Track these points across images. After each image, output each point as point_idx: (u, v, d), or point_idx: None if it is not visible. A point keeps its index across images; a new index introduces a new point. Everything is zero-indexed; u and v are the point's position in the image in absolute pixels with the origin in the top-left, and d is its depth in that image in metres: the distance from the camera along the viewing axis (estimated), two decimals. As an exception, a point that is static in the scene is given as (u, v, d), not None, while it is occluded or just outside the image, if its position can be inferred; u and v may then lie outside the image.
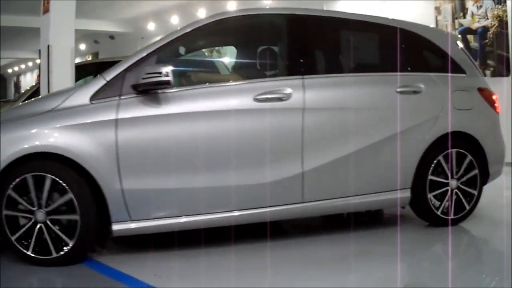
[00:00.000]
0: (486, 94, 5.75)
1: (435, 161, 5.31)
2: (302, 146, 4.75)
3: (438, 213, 5.34)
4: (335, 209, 5.09)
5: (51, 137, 4.28)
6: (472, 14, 10.35)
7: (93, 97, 4.45)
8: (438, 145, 5.33)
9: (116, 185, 4.32)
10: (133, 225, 4.41)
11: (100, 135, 4.31)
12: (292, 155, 4.75)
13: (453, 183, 5.39)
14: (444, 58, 5.66)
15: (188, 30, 4.85)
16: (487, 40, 10.09)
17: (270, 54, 5.41)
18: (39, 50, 8.31)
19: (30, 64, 31.67)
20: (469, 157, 5.44)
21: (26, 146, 4.25)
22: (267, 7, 13.51)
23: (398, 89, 5.22)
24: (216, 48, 5.64)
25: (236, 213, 4.63)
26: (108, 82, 4.49)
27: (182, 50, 5.21)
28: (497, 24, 9.92)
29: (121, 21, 19.43)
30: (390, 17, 5.87)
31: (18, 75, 35.54)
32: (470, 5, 10.36)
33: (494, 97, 5.81)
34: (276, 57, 5.38)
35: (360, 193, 5.07)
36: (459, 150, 5.41)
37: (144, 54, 4.62)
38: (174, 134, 4.48)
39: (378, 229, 5.65)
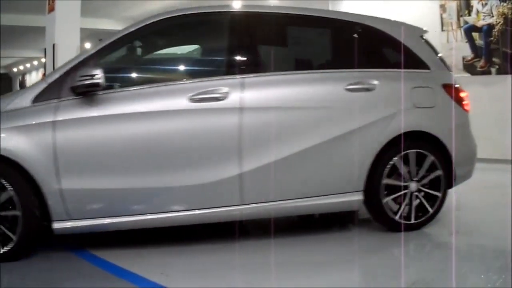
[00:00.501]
0: (452, 91, 5.45)
1: (391, 163, 5.04)
2: (240, 147, 4.61)
3: (396, 217, 5.06)
4: (279, 212, 4.88)
5: None
6: (477, 12, 10.31)
7: (35, 100, 4.48)
8: (395, 145, 5.05)
9: (54, 185, 4.35)
10: (69, 223, 4.43)
11: (39, 137, 4.36)
12: (229, 156, 4.61)
13: (412, 185, 5.11)
14: (405, 53, 5.38)
15: (128, 31, 4.83)
16: (492, 38, 10.06)
17: (212, 53, 5.40)
18: (45, 49, 8.33)
19: (35, 63, 31.76)
20: (431, 157, 5.17)
21: None
22: (271, 5, 13.47)
23: (347, 87, 4.98)
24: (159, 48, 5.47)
25: (173, 214, 4.59)
26: (49, 84, 4.53)
27: (123, 51, 5.13)
28: (502, 22, 9.89)
29: (126, 19, 19.43)
30: (344, 11, 5.73)
31: (23, 74, 35.64)
32: (475, 3, 10.32)
33: (462, 94, 5.52)
34: (217, 56, 5.27)
35: (308, 196, 4.86)
36: (419, 150, 5.14)
37: (84, 57, 4.64)
38: (110, 136, 4.48)
39: (330, 233, 5.39)
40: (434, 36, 11.39)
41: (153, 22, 4.89)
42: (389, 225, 5.14)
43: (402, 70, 5.25)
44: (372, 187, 5.01)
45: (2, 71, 37.03)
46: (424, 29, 5.77)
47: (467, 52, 10.53)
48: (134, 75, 5.20)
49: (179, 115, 4.56)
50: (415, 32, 5.66)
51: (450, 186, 5.36)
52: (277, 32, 5.39)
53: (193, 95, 4.56)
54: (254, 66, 4.96)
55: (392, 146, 5.04)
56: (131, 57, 5.32)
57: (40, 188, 4.34)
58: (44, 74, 30.03)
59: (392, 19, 5.84)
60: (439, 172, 5.19)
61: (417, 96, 5.22)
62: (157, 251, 4.75)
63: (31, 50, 28.01)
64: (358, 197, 5.00)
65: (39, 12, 12.11)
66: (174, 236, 5.02)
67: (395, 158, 5.04)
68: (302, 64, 5.40)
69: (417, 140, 5.16)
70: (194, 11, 5.10)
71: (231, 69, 4.86)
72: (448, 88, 5.42)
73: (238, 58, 4.95)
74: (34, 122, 4.39)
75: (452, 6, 10.77)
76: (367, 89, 5.05)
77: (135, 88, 4.69)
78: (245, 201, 4.66)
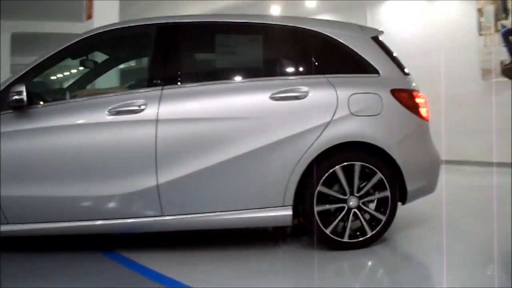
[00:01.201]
0: (403, 97, 4.96)
1: (324, 176, 4.67)
2: (156, 159, 4.56)
3: (327, 231, 4.68)
4: (201, 225, 4.73)
5: None
6: (515, 15, 10.24)
7: None
8: (330, 157, 4.71)
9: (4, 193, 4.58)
10: (8, 227, 4.61)
11: None
12: (146, 167, 4.58)
13: (352, 202, 4.72)
14: (350, 57, 5.05)
15: (60, 49, 4.96)
16: (530, 41, 9.97)
17: (135, 66, 5.58)
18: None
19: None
20: (377, 172, 4.76)
21: None
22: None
23: (273, 95, 4.70)
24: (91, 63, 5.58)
25: (98, 222, 4.62)
26: None
27: (56, 67, 5.24)
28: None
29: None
30: (281, 15, 5.24)
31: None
32: (513, 6, 10.25)
33: (419, 100, 5.04)
34: (138, 69, 5.41)
35: (231, 209, 4.67)
36: (361, 163, 4.73)
37: (21, 73, 4.78)
38: (39, 147, 4.62)
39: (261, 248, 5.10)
40: (471, 40, 11.38)
41: (81, 40, 5.03)
42: (325, 244, 4.75)
43: (330, 75, 4.92)
44: (304, 202, 4.70)
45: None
46: (380, 30, 5.43)
47: (505, 57, 10.43)
48: (61, 89, 5.55)
49: (99, 128, 4.64)
50: (365, 33, 5.26)
51: (403, 202, 4.99)
52: (201, 42, 5.31)
53: (111, 108, 4.61)
54: (174, 78, 4.88)
55: (326, 158, 4.70)
56: (59, 73, 5.54)
57: None
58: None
59: (342, 21, 5.64)
60: (386, 193, 4.77)
61: (356, 103, 4.79)
62: (188, 255, 4.80)
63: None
64: (287, 212, 4.65)
65: (77, 20, 12.31)
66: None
67: (330, 171, 4.68)
68: (226, 73, 5.14)
69: (357, 152, 4.80)
70: (116, 26, 5.21)
71: (151, 81, 4.82)
72: (399, 93, 4.95)
73: (158, 70, 4.90)
74: None
75: (489, 10, 10.68)
76: (296, 97, 4.74)
77: (60, 102, 4.89)
78: (164, 212, 4.61)
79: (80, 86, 5.73)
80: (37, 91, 4.93)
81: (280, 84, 4.80)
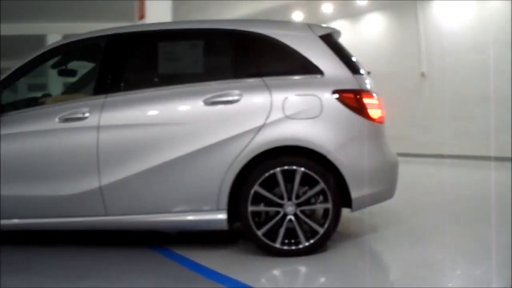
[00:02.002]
0: (347, 98, 4.75)
1: (261, 178, 4.63)
2: (98, 162, 4.79)
3: (259, 233, 4.62)
4: (142, 226, 4.89)
5: None
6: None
7: None
8: (270, 160, 4.66)
9: None
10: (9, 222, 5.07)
11: None
12: (90, 170, 4.81)
13: (289, 208, 4.61)
14: (292, 58, 4.94)
15: (27, 60, 5.28)
16: None
17: (84, 76, 5.85)
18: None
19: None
20: (318, 179, 4.61)
21: None
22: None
23: (206, 100, 4.74)
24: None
25: (48, 220, 4.97)
26: None
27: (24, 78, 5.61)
28: None
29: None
30: (223, 19, 5.53)
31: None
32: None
33: (368, 100, 4.80)
34: (87, 79, 5.72)
35: (168, 211, 4.79)
36: (302, 169, 4.61)
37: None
38: (6, 151, 5.01)
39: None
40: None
41: (44, 52, 5.39)
42: (260, 246, 4.68)
43: (261, 76, 4.88)
44: (239, 206, 4.68)
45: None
46: (333, 28, 5.26)
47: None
48: (23, 98, 6.04)
49: (50, 134, 4.98)
50: (313, 33, 5.06)
51: (350, 208, 4.77)
52: (143, 50, 5.44)
53: (61, 116, 4.94)
54: (118, 86, 5.03)
55: (269, 161, 4.65)
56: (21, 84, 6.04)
57: None
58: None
59: (288, 20, 5.53)
60: (328, 204, 4.61)
61: (292, 106, 4.69)
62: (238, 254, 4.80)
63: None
64: (222, 215, 4.68)
65: (129, 20, 12.47)
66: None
67: (266, 175, 4.62)
68: (166, 80, 5.26)
69: (301, 157, 4.67)
70: (71, 39, 5.47)
71: (97, 90, 5.05)
72: (342, 94, 4.74)
73: (103, 79, 5.09)
74: None
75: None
76: (229, 102, 4.73)
77: (22, 111, 5.25)
78: (108, 213, 4.81)
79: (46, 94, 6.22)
80: (7, 100, 5.35)
81: (216, 88, 4.81)
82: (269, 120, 4.63)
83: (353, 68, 4.91)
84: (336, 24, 14.81)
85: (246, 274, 4.22)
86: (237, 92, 4.73)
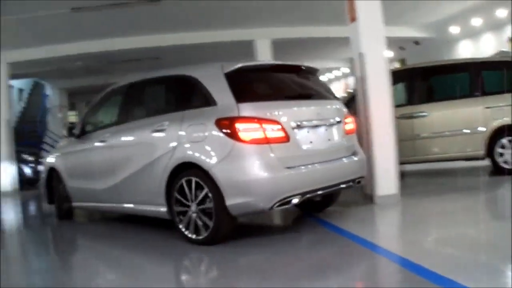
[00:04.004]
0: (223, 125, 5.97)
1: (176, 186, 6.40)
2: (111, 170, 7.64)
3: (180, 226, 6.47)
4: (127, 211, 7.73)
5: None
6: None
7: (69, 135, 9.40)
8: (181, 173, 6.35)
9: (68, 183, 8.86)
10: (74, 204, 8.86)
11: (65, 159, 9.11)
12: (109, 174, 7.67)
13: (193, 207, 6.27)
14: (202, 93, 6.39)
15: (98, 99, 8.75)
16: None
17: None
18: (351, 59, 8.33)
19: (336, 73, 32.63)
20: (204, 186, 6.12)
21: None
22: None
23: (151, 130, 6.90)
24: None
25: (96, 204, 8.29)
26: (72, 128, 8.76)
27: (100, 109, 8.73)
28: None
29: (425, 25, 19.08)
30: (169, 68, 7.42)
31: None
32: None
33: (239, 125, 5.88)
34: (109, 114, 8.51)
35: (136, 203, 7.27)
36: (196, 179, 6.18)
37: (82, 116, 8.83)
38: (80, 160, 8.60)
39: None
40: None
41: (105, 94, 8.68)
42: (181, 236, 6.46)
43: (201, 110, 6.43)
44: (170, 203, 6.54)
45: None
46: (238, 65, 6.31)
47: None
48: (94, 124, 8.71)
49: (95, 150, 8.10)
50: (222, 71, 6.31)
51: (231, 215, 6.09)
52: (128, 96, 7.87)
53: (98, 139, 8.08)
54: (117, 120, 7.89)
55: (180, 173, 6.37)
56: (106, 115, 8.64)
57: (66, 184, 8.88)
58: (346, 84, 30.68)
59: (208, 64, 6.90)
60: (211, 205, 6.08)
61: (191, 132, 6.30)
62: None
63: (331, 61, 28.78)
64: (164, 209, 6.68)
65: (339, 23, 12.31)
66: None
67: (179, 182, 6.36)
68: (135, 116, 7.57)
69: (197, 171, 6.18)
70: (115, 86, 8.51)
71: (113, 122, 8.05)
72: (219, 122, 6.01)
73: (116, 115, 8.01)
74: (64, 151, 9.27)
75: None
76: (162, 130, 6.73)
77: (89, 134, 8.51)
78: (121, 201, 7.59)
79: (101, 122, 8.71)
80: (85, 128, 8.63)
81: (158, 120, 6.86)
82: (179, 143, 6.42)
83: (244, 97, 6.08)
84: None
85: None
86: (166, 123, 6.68)
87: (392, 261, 5.12)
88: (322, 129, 6.61)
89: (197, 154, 6.13)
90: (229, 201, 5.90)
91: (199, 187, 6.14)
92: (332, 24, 15.65)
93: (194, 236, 6.26)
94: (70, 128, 10.70)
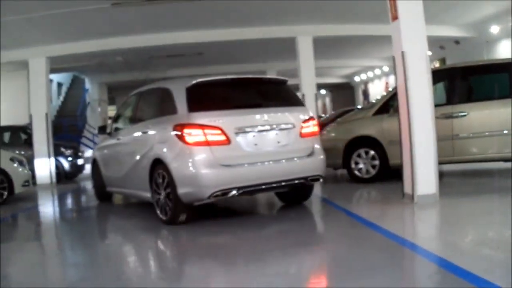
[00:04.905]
0: (177, 129, 7.50)
1: (154, 176, 7.92)
2: (125, 160, 9.40)
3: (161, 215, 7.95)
4: (137, 197, 9.42)
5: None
6: None
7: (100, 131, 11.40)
8: (156, 166, 7.92)
9: (102, 172, 10.59)
10: (109, 188, 10.51)
11: (100, 151, 10.99)
12: (126, 162, 9.32)
13: (162, 194, 7.77)
14: (173, 104, 7.88)
15: (123, 103, 10.83)
16: None
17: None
18: (393, 57, 8.32)
19: (377, 71, 32.49)
20: (166, 178, 7.59)
21: None
22: None
23: (142, 131, 8.74)
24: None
25: (123, 189, 9.86)
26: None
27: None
28: None
29: (465, 25, 18.89)
30: (158, 83, 9.31)
31: (365, 83, 36.68)
32: None
33: (186, 131, 7.35)
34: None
35: (136, 189, 8.89)
36: (161, 171, 7.72)
37: (113, 117, 10.77)
38: (110, 152, 10.24)
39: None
40: None
41: (130, 97, 10.33)
42: (158, 218, 7.97)
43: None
44: (152, 190, 8.06)
45: (344, 80, 38.58)
46: (195, 81, 7.77)
47: None
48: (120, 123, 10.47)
49: (118, 145, 9.78)
50: (183, 85, 7.86)
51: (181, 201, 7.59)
52: (137, 102, 9.72)
53: (119, 136, 9.84)
54: (127, 122, 10.07)
55: (156, 166, 7.90)
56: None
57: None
58: (387, 83, 30.53)
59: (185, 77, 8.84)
60: (169, 190, 7.60)
61: (161, 134, 7.99)
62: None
63: (372, 59, 28.67)
64: (149, 194, 8.18)
65: (380, 21, 12.29)
66: None
67: (155, 174, 7.90)
68: (138, 119, 9.32)
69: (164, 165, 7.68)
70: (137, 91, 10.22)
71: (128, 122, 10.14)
72: (175, 127, 7.54)
73: (130, 116, 10.13)
74: (102, 144, 11.02)
75: None
76: (147, 132, 8.50)
77: (116, 132, 10.17)
78: (128, 187, 9.50)
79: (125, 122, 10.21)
80: (114, 127, 10.41)
81: (146, 124, 8.62)
82: (154, 143, 8.08)
83: (195, 107, 7.55)
84: None
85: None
86: (150, 126, 8.40)
87: (430, 261, 5.12)
88: (271, 133, 7.72)
89: (162, 152, 7.71)
90: (180, 190, 7.38)
91: (165, 178, 7.62)
92: (373, 22, 15.59)
93: (164, 218, 7.79)
94: (101, 127, 11.25)
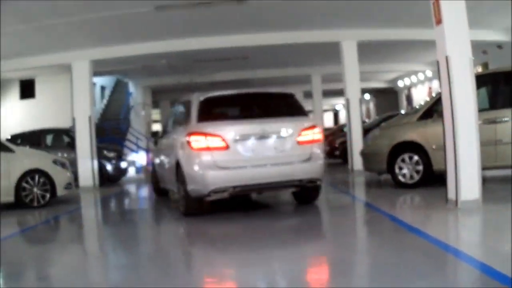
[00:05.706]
0: (187, 136, 8.80)
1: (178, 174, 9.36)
2: (165, 161, 11.04)
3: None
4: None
5: None
6: None
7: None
8: (177, 166, 9.38)
9: (156, 170, 12.23)
10: (161, 185, 11.98)
11: (154, 153, 12.99)
12: (173, 159, 9.93)
13: (181, 189, 9.24)
14: (190, 114, 9.30)
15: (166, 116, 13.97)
16: None
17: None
18: (437, 62, 8.28)
19: (420, 76, 32.17)
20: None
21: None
22: None
23: (173, 138, 10.17)
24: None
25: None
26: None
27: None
28: None
29: (508, 29, 18.59)
30: (188, 94, 10.16)
31: (409, 87, 36.32)
32: None
33: (192, 138, 8.67)
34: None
35: (169, 185, 10.76)
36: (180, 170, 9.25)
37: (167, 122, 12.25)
38: (160, 156, 11.41)
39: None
40: None
41: (180, 103, 11.47)
42: None
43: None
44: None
45: (387, 85, 38.30)
46: (207, 95, 9.27)
47: None
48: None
49: (161, 149, 11.56)
50: (198, 98, 9.26)
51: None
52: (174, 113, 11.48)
53: (165, 141, 11.35)
54: (169, 127, 11.29)
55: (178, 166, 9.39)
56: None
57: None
58: (430, 88, 30.23)
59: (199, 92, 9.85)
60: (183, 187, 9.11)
61: (180, 140, 9.26)
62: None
63: (416, 64, 28.39)
64: (176, 189, 9.84)
65: (424, 26, 12.19)
66: None
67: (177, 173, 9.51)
68: (173, 125, 10.97)
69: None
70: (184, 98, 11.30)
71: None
72: (187, 134, 8.86)
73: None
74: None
75: None
76: (175, 138, 9.90)
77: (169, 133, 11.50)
78: (167, 183, 11.22)
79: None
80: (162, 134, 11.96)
81: (175, 131, 10.16)
82: (177, 147, 9.40)
83: (203, 118, 8.89)
84: None
85: None
86: (178, 133, 9.79)
87: (474, 267, 5.09)
88: (268, 141, 8.81)
89: (179, 156, 9.08)
90: (188, 187, 8.74)
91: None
92: (417, 26, 15.47)
93: (181, 209, 9.25)
94: (153, 132, 13.83)
